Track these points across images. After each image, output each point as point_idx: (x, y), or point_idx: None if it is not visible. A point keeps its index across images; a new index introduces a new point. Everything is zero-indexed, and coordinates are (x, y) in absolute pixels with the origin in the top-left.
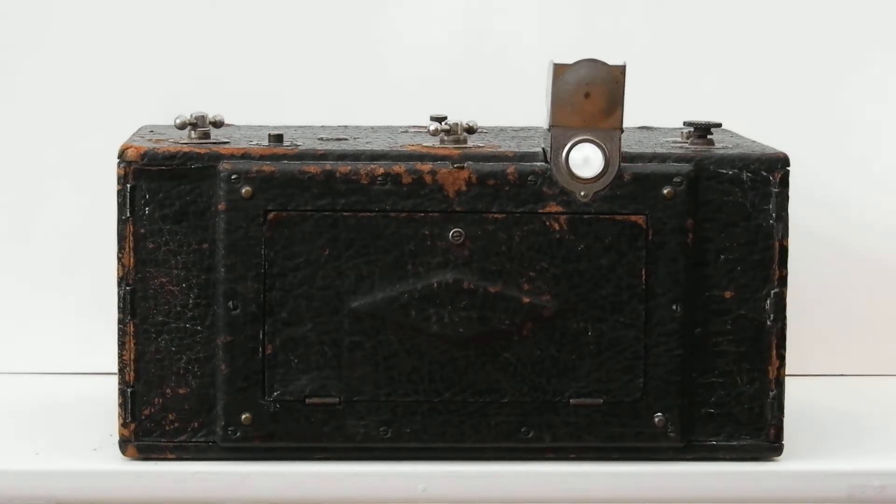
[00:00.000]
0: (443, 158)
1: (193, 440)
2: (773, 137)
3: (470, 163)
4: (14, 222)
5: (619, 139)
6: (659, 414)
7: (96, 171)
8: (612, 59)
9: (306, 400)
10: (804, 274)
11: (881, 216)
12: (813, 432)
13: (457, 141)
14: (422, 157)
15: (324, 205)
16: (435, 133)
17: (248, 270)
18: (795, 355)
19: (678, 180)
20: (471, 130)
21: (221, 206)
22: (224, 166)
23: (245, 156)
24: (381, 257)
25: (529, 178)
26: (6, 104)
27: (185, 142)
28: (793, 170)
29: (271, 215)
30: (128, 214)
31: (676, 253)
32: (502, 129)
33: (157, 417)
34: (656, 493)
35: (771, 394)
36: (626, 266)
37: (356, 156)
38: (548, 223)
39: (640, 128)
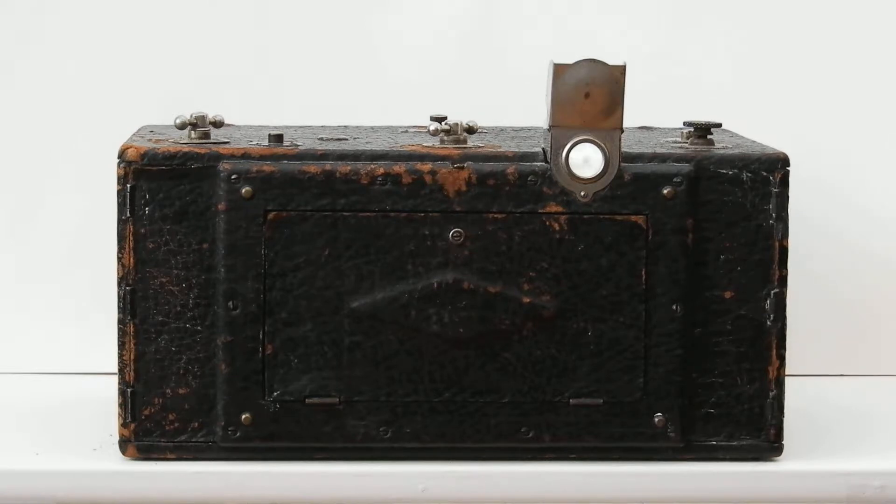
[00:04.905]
0: (443, 158)
1: (193, 440)
2: (773, 137)
3: (470, 163)
4: (14, 222)
5: (619, 139)
6: (659, 414)
7: (96, 171)
8: (612, 59)
9: (306, 400)
10: (804, 274)
11: (881, 216)
12: (813, 432)
13: (457, 141)
14: (422, 157)
15: (324, 205)
16: (435, 133)
17: (248, 270)
18: (795, 355)
19: (678, 180)
20: (471, 130)
21: (221, 206)
22: (224, 166)
23: (245, 156)
24: (381, 257)
25: (529, 178)
26: (6, 104)
27: (185, 142)
28: (793, 170)
29: (271, 215)
30: (128, 214)
31: (676, 253)
32: (502, 129)
33: (157, 417)
34: (656, 493)
35: (771, 394)
36: (626, 266)
37: (356, 156)
38: (548, 223)
39: (640, 128)
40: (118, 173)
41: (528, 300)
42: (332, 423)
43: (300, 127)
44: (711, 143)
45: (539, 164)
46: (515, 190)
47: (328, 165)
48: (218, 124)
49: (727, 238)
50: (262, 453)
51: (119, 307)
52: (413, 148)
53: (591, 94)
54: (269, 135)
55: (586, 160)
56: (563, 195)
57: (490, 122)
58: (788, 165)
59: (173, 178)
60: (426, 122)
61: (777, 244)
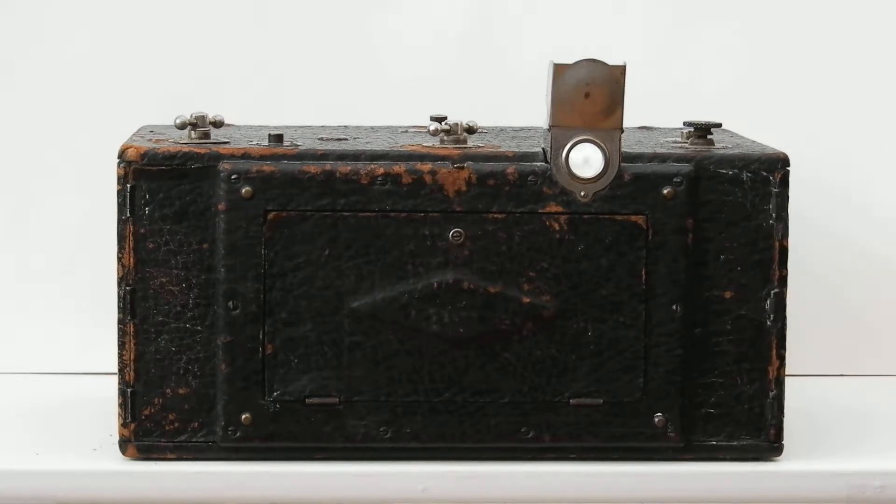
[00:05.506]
0: (443, 158)
1: (193, 440)
2: (773, 137)
3: (470, 163)
4: (14, 222)
5: (619, 139)
6: (659, 414)
7: (96, 171)
8: (612, 59)
9: (306, 400)
10: (804, 273)
11: (881, 216)
12: (813, 432)
13: (457, 141)
14: (422, 157)
15: (324, 205)
16: (435, 133)
17: (248, 270)
18: (795, 355)
19: (678, 180)
20: (471, 130)
21: (221, 206)
22: (224, 166)
23: (245, 156)
24: (381, 257)
25: (529, 178)
26: (6, 104)
27: (185, 142)
28: (793, 170)
29: (271, 215)
30: (128, 214)
31: (676, 253)
32: (502, 129)
33: (157, 417)
34: (656, 493)
35: (771, 394)
36: (626, 266)
37: (356, 156)
38: (548, 223)
39: (640, 128)
40: (118, 173)
41: (528, 300)
42: (332, 423)
43: (300, 127)
44: (711, 143)
45: (539, 164)
46: (515, 190)
47: (328, 165)
48: (218, 124)
49: (727, 238)
50: (262, 453)
51: (119, 307)
52: (413, 148)
53: (591, 94)
54: (269, 135)
55: (586, 160)
56: (563, 195)
57: (490, 122)
58: (788, 165)
59: (173, 178)
60: (426, 122)
61: (777, 244)
